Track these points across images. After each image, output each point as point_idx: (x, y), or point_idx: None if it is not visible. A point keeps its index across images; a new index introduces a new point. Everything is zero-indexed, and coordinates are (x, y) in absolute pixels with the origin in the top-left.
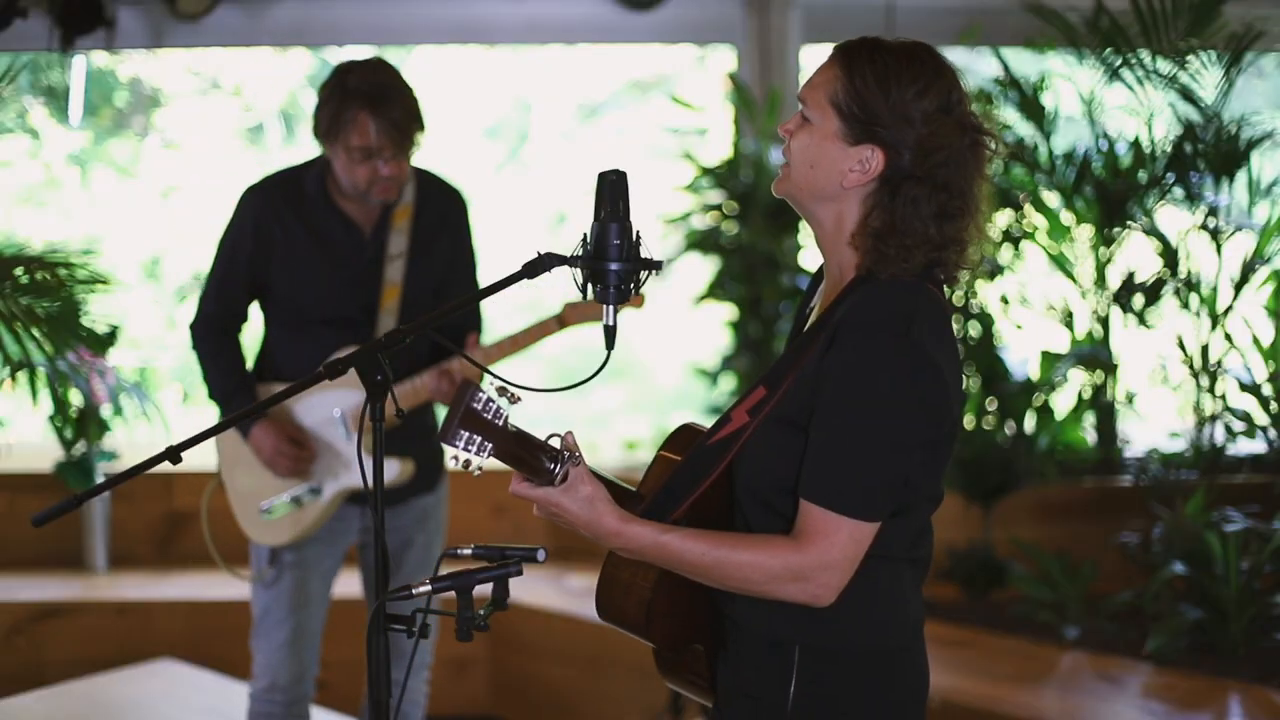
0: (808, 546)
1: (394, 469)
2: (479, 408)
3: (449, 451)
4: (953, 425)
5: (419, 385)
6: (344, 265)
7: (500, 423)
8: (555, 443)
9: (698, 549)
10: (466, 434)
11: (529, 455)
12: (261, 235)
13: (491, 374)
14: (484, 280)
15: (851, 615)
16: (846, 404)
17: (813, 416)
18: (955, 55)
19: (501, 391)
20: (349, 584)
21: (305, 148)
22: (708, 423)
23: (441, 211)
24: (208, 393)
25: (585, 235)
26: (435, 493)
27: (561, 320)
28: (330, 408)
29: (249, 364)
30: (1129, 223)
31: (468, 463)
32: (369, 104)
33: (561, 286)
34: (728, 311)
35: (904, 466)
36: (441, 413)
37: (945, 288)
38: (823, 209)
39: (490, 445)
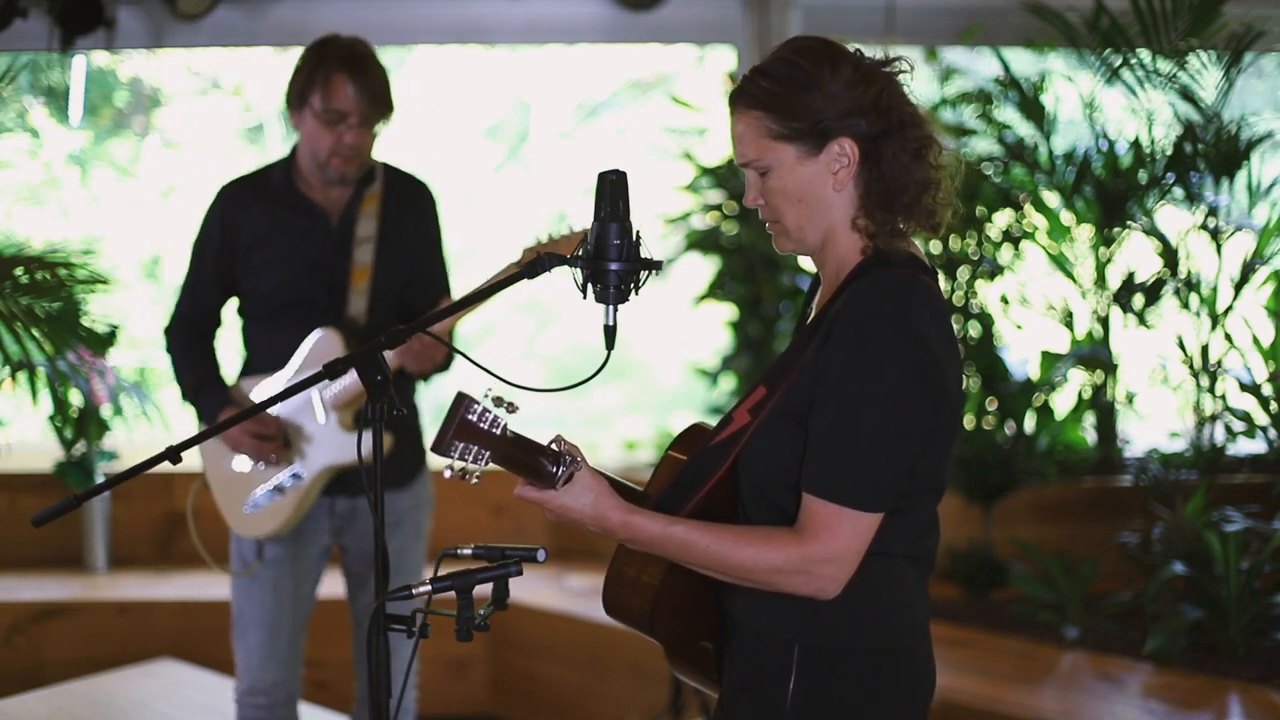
0: (810, 539)
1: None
2: (474, 419)
3: (442, 462)
4: (953, 412)
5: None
6: (308, 247)
7: (498, 431)
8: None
9: (703, 540)
10: (461, 445)
11: (530, 460)
12: (227, 227)
13: (496, 375)
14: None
15: (852, 614)
16: (844, 395)
17: (811, 410)
18: (955, 55)
19: (498, 401)
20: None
21: None
22: (710, 423)
23: (409, 202)
24: (180, 391)
25: (585, 235)
26: (410, 491)
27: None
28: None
29: (221, 364)
30: (1129, 223)
31: (465, 473)
32: (347, 66)
33: (561, 285)
34: (728, 311)
35: (905, 455)
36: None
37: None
38: (822, 234)
39: (487, 454)
